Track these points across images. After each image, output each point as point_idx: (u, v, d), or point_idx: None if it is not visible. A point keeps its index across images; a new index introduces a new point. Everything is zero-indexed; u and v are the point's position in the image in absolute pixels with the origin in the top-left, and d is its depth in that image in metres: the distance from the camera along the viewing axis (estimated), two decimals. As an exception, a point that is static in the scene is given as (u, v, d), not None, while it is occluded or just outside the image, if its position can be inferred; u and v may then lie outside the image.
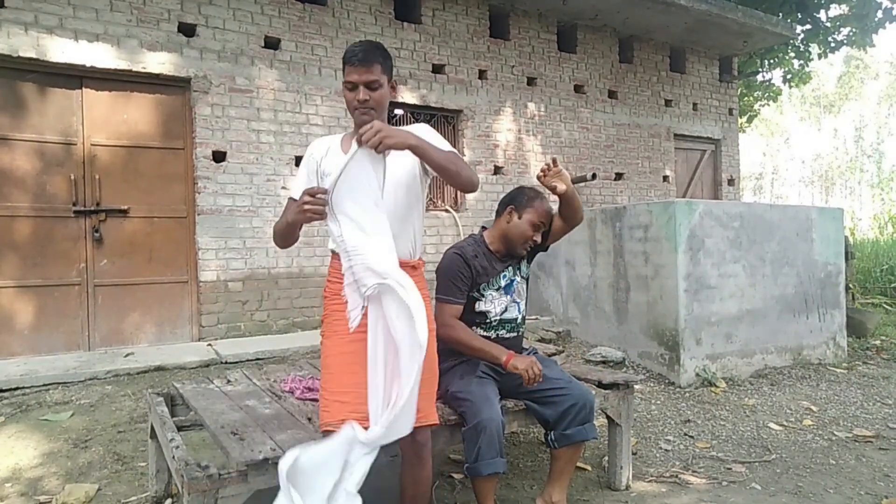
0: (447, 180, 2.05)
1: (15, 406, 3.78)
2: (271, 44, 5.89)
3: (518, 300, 2.70)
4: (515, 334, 2.69)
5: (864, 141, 29.38)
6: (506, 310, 2.65)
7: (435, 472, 2.94)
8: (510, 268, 2.69)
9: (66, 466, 3.05)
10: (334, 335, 2.04)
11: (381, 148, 1.82)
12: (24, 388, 4.05)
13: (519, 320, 2.70)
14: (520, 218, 2.60)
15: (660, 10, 7.69)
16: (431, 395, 2.11)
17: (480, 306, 2.61)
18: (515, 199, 2.64)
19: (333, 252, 2.11)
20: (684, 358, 4.45)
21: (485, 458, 2.24)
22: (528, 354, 2.70)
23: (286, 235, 2.11)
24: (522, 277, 2.74)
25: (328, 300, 2.11)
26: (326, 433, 1.93)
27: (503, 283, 2.65)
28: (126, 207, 5.24)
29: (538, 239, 2.63)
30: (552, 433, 2.49)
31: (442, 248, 6.09)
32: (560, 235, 2.75)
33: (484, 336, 2.60)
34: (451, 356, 2.61)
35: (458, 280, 2.53)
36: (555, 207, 2.66)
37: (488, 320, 2.62)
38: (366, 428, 1.92)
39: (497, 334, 2.63)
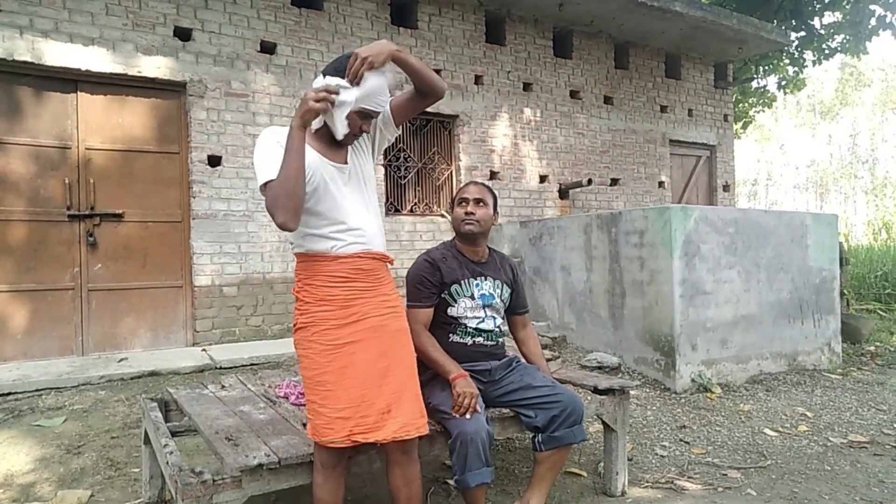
0: (426, 85, 2.12)
1: (7, 411, 3.75)
2: (267, 48, 5.89)
3: (495, 315, 2.69)
4: (494, 343, 2.67)
5: (859, 147, 29.57)
6: (482, 320, 2.63)
7: (430, 479, 2.93)
8: (489, 281, 2.67)
9: (59, 472, 3.02)
10: (325, 348, 1.99)
11: (377, 64, 1.96)
12: (16, 393, 4.02)
13: (497, 331, 2.69)
14: (453, 210, 2.70)
15: (655, 16, 7.72)
16: (417, 397, 2.09)
17: (453, 311, 2.59)
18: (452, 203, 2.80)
19: (307, 254, 2.06)
20: (680, 363, 4.45)
21: (472, 469, 2.23)
22: (510, 363, 2.69)
23: (295, 178, 1.87)
24: (502, 301, 2.72)
25: (311, 304, 2.03)
26: (329, 448, 2.00)
27: (477, 292, 2.62)
28: (121, 212, 5.22)
29: (472, 210, 2.60)
30: (540, 435, 2.48)
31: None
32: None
33: (460, 342, 2.59)
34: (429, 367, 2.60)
35: (425, 283, 2.54)
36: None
37: (464, 326, 2.60)
38: (367, 439, 1.97)
39: (475, 341, 2.62)
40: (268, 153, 1.97)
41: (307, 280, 2.05)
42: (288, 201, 1.88)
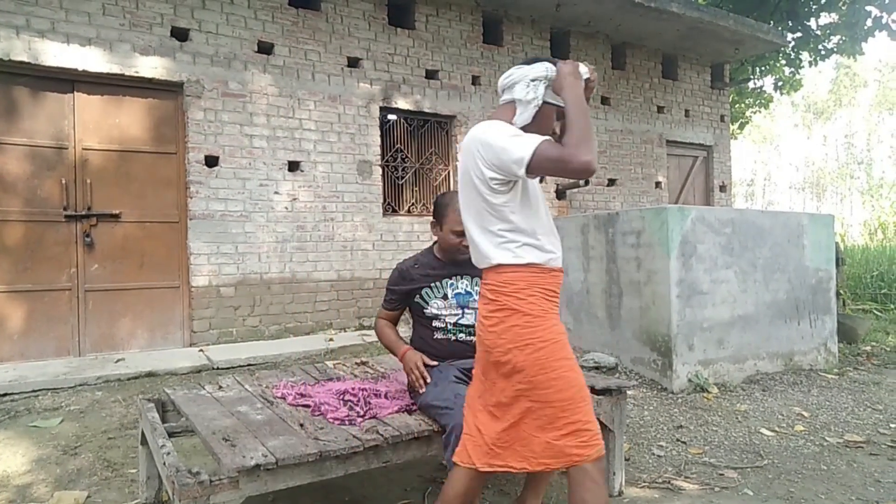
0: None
1: (3, 412, 3.75)
2: (265, 48, 5.89)
3: (477, 308, 2.69)
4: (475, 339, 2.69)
5: (855, 148, 29.69)
6: (461, 316, 2.68)
7: (427, 479, 2.93)
8: (466, 279, 2.70)
9: (56, 473, 3.02)
10: (573, 362, 1.93)
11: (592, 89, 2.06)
12: (12, 394, 4.01)
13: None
14: (441, 230, 2.65)
15: (652, 17, 7.74)
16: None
17: (427, 311, 2.69)
18: (435, 212, 2.69)
19: (523, 265, 1.93)
20: (677, 364, 4.46)
21: None
22: None
23: (588, 120, 1.87)
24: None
25: (541, 319, 1.91)
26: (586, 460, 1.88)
27: (451, 292, 2.68)
28: (117, 212, 5.22)
29: (467, 243, 2.53)
30: None
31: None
32: None
33: (443, 339, 2.67)
34: None
35: (391, 290, 2.78)
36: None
37: (443, 325, 2.68)
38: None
39: (456, 337, 2.67)
40: (514, 131, 1.89)
41: (526, 291, 1.90)
42: (592, 141, 1.76)
